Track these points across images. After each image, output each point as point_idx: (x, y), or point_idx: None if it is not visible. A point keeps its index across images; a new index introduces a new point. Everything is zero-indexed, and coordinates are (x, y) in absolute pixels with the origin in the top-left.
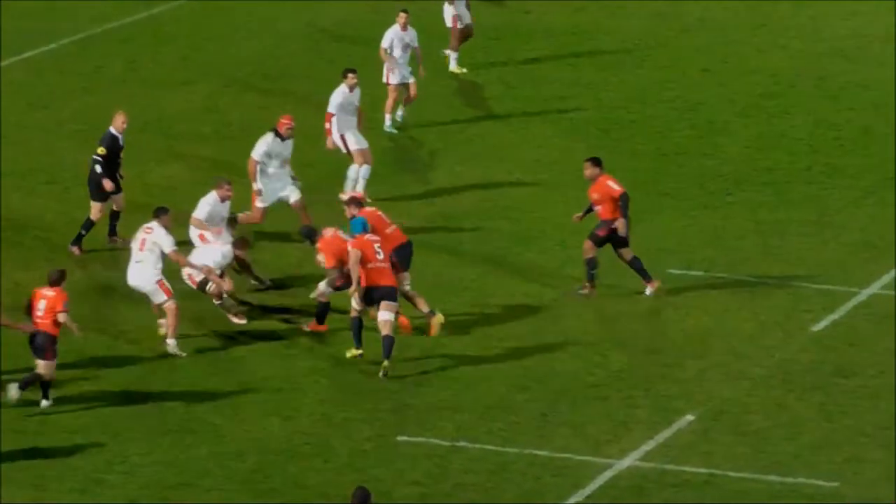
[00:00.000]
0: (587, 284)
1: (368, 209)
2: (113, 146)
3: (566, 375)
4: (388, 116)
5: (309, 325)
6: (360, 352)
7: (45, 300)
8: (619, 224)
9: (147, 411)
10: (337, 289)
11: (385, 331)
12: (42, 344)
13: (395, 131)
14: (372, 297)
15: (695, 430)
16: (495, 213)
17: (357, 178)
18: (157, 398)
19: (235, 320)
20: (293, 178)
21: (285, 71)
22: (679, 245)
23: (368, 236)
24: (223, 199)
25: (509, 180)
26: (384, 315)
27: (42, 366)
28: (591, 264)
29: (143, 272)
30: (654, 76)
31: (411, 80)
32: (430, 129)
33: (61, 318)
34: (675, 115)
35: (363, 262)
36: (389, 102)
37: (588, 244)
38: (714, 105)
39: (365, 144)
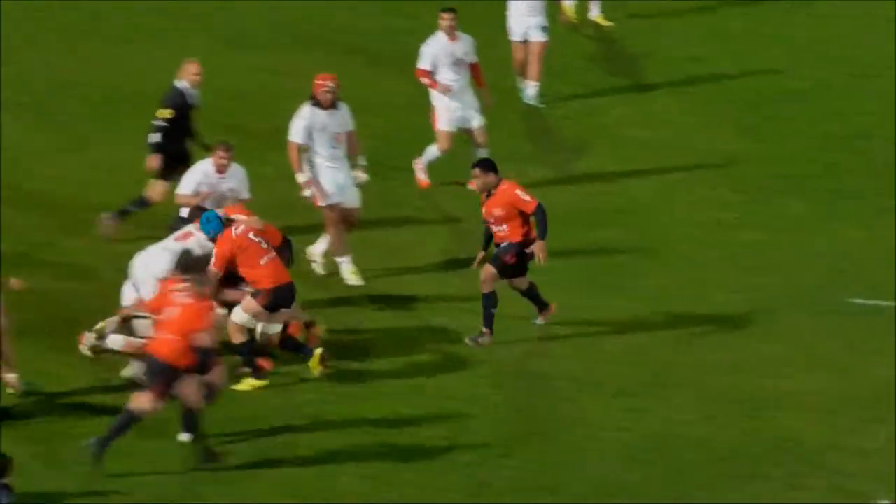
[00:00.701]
0: (485, 330)
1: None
2: (181, 105)
3: (703, 444)
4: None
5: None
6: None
7: None
8: (538, 248)
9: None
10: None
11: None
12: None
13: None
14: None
15: None
16: (603, 218)
17: (433, 159)
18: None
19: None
20: (362, 166)
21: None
22: (862, 265)
23: (238, 230)
24: (219, 170)
25: (627, 172)
26: (276, 328)
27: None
28: (490, 301)
29: (156, 262)
30: (827, 28)
31: (476, 123)
32: (515, 99)
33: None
34: (859, 82)
35: (252, 260)
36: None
37: (488, 272)
38: None
39: (478, 121)
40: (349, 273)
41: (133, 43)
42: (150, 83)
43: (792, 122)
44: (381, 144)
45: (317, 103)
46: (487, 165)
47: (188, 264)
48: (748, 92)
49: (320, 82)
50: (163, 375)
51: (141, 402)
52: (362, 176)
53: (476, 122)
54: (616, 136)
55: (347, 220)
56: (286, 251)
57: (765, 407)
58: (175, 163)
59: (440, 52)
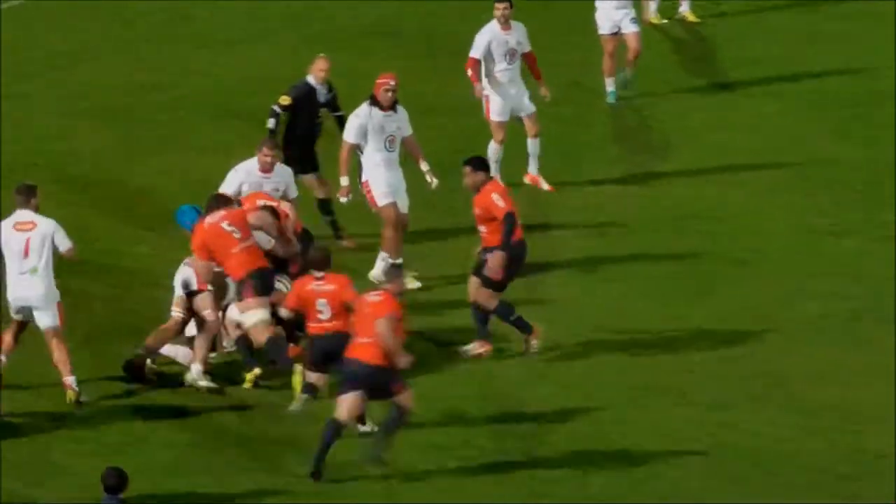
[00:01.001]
0: (526, 336)
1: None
2: (304, 99)
3: (804, 460)
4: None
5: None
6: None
7: (326, 297)
8: (491, 260)
9: None
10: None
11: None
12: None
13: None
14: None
15: None
16: (690, 224)
17: (498, 159)
18: None
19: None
20: (429, 170)
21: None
22: None
23: (212, 219)
24: (263, 169)
25: (715, 177)
26: (252, 318)
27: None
28: (505, 312)
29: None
30: None
31: (529, 111)
32: (598, 100)
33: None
34: None
35: (224, 250)
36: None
37: (483, 294)
38: None
39: (530, 109)
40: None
41: (219, 45)
42: (234, 86)
43: (888, 125)
44: (472, 147)
45: (375, 103)
46: (477, 164)
47: (323, 259)
48: (843, 95)
49: (382, 81)
50: (374, 378)
51: (406, 400)
52: (434, 180)
53: (528, 110)
54: (703, 139)
55: (401, 224)
56: (308, 247)
57: (859, 420)
58: (296, 154)
59: (493, 42)
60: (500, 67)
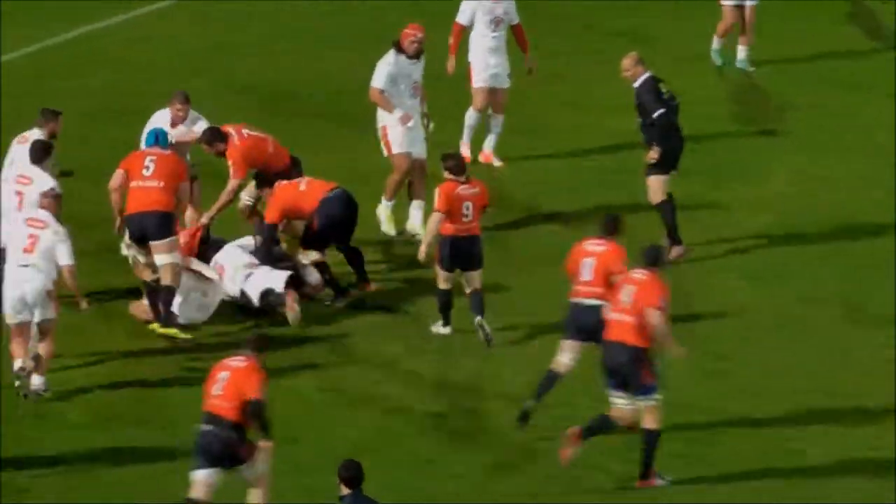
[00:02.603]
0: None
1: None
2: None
3: None
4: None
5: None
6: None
7: (471, 200)
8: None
9: None
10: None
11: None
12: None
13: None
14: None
15: None
16: (850, 225)
17: (474, 125)
18: None
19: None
20: (426, 117)
21: None
22: None
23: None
24: (174, 123)
25: (881, 179)
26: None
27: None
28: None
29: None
30: None
31: (504, 85)
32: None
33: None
34: None
35: (130, 183)
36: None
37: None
38: None
39: (504, 84)
40: (386, 217)
41: (344, 49)
42: (358, 87)
43: None
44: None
45: (401, 51)
46: (214, 134)
47: (461, 164)
48: None
49: (409, 31)
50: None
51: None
52: (431, 124)
53: (503, 84)
54: (870, 137)
55: (420, 170)
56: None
57: None
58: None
59: (479, 8)
60: (485, 35)
